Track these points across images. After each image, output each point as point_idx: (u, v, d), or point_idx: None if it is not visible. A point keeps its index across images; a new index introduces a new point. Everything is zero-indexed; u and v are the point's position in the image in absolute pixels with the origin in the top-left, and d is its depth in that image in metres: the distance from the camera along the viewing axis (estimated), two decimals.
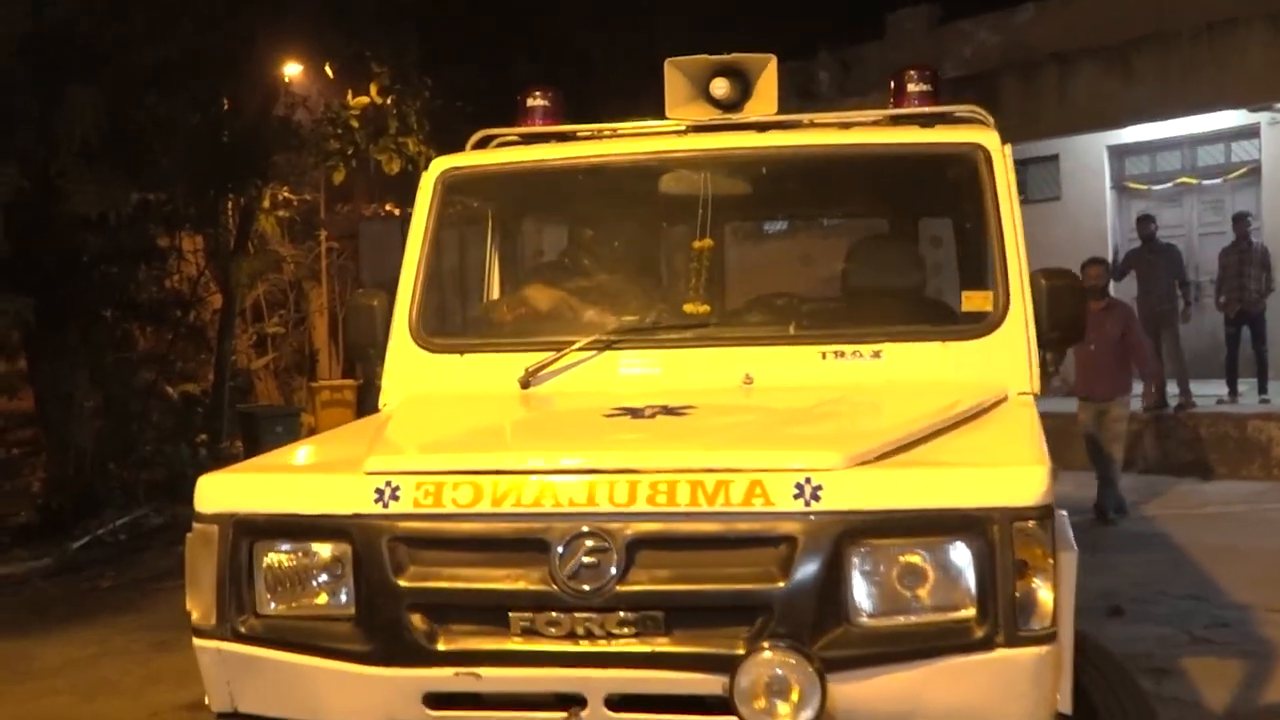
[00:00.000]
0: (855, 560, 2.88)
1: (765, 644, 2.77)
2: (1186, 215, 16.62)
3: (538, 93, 4.69)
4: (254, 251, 15.96)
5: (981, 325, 3.93)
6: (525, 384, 4.01)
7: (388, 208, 17.24)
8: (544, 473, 3.04)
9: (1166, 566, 8.81)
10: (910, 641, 2.86)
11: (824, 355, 3.93)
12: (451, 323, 5.11)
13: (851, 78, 17.84)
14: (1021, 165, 17.83)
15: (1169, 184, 16.60)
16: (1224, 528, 10.14)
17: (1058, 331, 3.89)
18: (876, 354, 3.91)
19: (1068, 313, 3.90)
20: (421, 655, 2.99)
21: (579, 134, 4.72)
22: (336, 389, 17.47)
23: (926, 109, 4.45)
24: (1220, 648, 6.67)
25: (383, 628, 3.01)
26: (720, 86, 4.41)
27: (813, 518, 2.86)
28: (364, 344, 4.30)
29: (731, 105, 4.44)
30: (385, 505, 3.06)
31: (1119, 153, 17.04)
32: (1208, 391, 13.75)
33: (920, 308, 4.40)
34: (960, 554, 2.87)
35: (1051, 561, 2.85)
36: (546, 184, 4.77)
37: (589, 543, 2.91)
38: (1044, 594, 2.84)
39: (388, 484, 3.09)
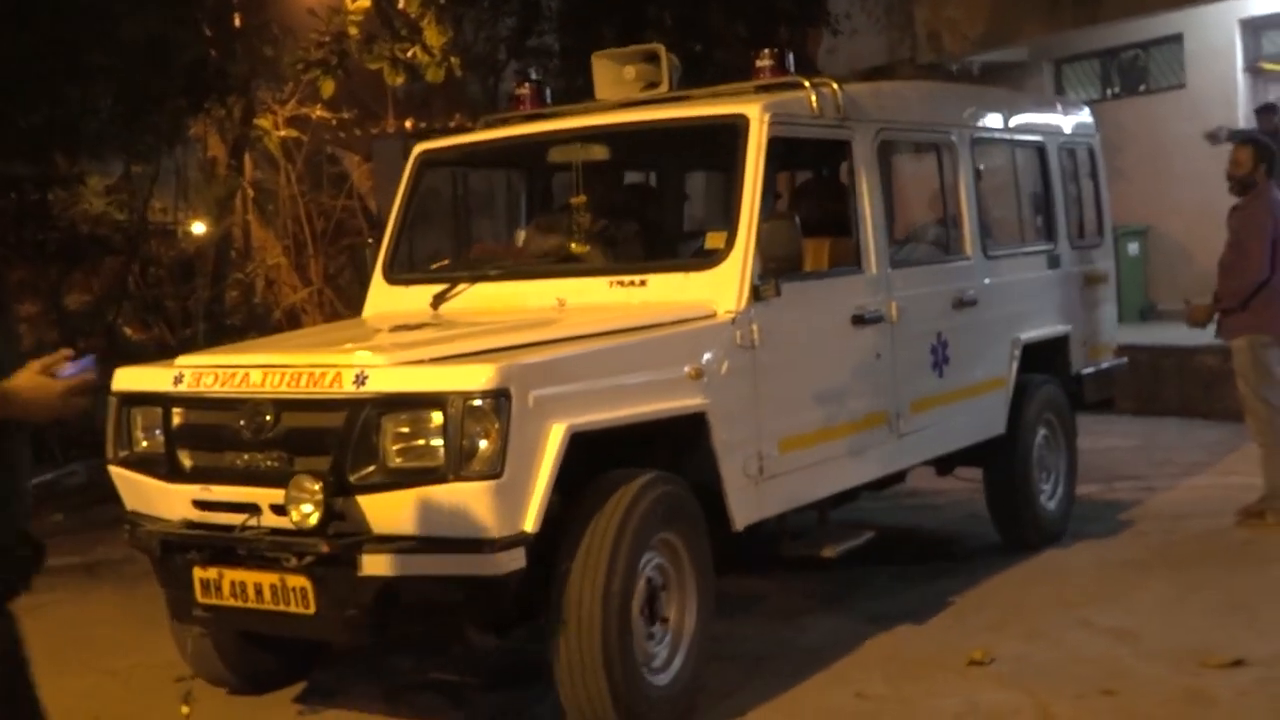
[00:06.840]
0: (383, 422, 4.46)
1: (303, 472, 4.44)
2: None
3: (526, 84, 6.60)
4: (222, 176, 14.24)
5: (711, 260, 5.40)
6: (435, 305, 5.80)
7: (406, 124, 15.46)
8: (246, 367, 4.85)
9: None
10: (409, 475, 4.42)
11: (610, 284, 5.49)
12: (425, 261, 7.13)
13: None
14: (1140, 49, 16.01)
15: None
16: None
17: (774, 263, 5.25)
18: (643, 282, 5.42)
19: (781, 249, 5.23)
20: (186, 476, 4.86)
21: (512, 119, 6.51)
22: None
23: (774, 80, 5.91)
24: None
25: (170, 457, 4.92)
26: (629, 72, 6.13)
27: (361, 396, 4.48)
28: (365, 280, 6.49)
29: (649, 85, 6.12)
30: (176, 386, 4.96)
31: (1254, 27, 14.81)
32: None
33: (682, 245, 6.56)
34: (438, 420, 4.37)
35: (497, 425, 4.29)
36: (490, 158, 7.17)
37: (258, 409, 4.67)
38: (485, 446, 4.31)
39: (182, 373, 4.95)
